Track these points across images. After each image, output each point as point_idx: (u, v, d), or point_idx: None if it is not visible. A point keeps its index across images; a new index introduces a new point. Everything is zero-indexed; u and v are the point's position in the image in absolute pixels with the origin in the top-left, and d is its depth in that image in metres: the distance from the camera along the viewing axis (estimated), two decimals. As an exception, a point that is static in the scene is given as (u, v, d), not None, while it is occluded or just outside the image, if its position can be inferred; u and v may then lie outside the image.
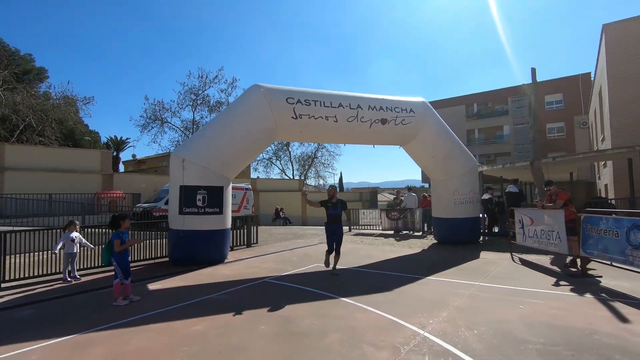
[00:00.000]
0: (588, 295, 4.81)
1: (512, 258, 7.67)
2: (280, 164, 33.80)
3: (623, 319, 3.90)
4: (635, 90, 13.25)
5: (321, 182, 35.82)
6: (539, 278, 5.93)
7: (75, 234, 6.39)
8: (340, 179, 60.30)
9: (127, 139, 37.25)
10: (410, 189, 19.40)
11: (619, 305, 4.33)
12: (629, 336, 3.41)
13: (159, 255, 8.15)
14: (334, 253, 6.63)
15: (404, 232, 13.39)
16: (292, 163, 33.68)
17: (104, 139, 37.91)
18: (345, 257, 7.89)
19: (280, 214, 22.59)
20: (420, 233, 12.88)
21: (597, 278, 5.71)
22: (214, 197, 7.80)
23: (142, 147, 77.59)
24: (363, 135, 9.42)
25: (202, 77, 25.63)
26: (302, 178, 33.69)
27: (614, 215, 5.75)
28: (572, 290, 5.13)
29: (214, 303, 4.88)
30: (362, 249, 9.76)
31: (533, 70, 9.96)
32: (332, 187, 7.08)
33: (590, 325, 3.69)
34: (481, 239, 10.56)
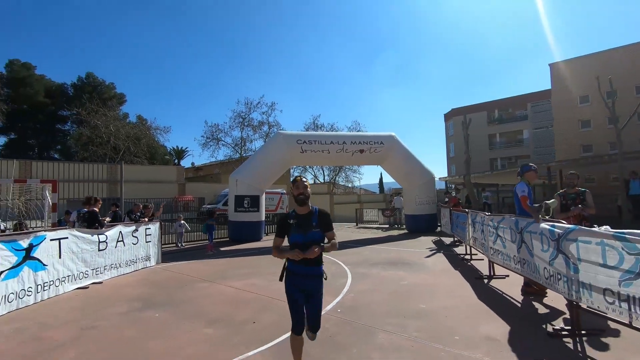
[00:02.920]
0: (426, 251, 9.45)
1: (432, 238, 12.20)
2: (313, 170, 39.13)
3: (424, 256, 8.59)
4: None
5: (349, 184, 40.75)
6: (423, 244, 10.54)
7: (182, 222, 12.09)
8: (381, 180, 63.21)
9: (186, 148, 44.84)
10: (399, 193, 23.69)
11: (436, 255, 8.96)
12: (415, 260, 8.14)
13: (224, 237, 13.74)
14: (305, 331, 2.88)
15: (395, 225, 18.00)
16: (323, 169, 38.89)
17: (168, 148, 45.71)
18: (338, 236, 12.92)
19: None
20: (403, 226, 17.47)
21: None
22: (254, 201, 13.21)
23: (197, 155, 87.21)
24: (348, 160, 14.39)
25: (247, 104, 31.87)
26: (332, 181, 38.81)
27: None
28: (429, 250, 9.75)
29: (250, 254, 10.18)
30: (353, 233, 14.69)
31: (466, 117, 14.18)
32: (299, 179, 2.85)
33: (408, 258, 8.44)
34: (438, 229, 14.95)
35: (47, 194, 7.69)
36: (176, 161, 46.59)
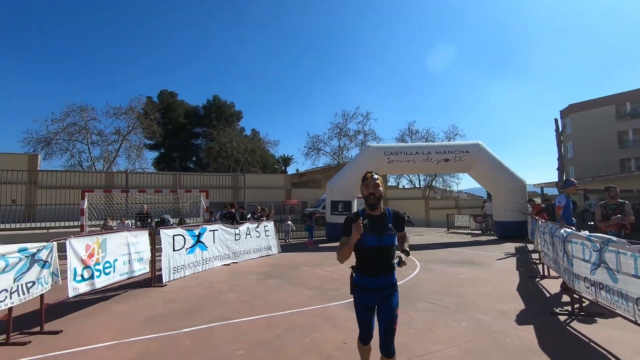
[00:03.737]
0: (502, 255, 10.08)
1: (517, 245, 12.47)
2: (408, 176, 39.73)
3: (496, 258, 9.39)
4: None
5: (447, 188, 40.03)
6: (504, 249, 11.10)
7: (289, 222, 14.92)
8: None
9: (291, 156, 50.08)
10: (490, 199, 22.90)
11: (509, 259, 9.63)
12: (485, 261, 9.08)
13: (322, 236, 16.22)
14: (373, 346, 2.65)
15: (487, 231, 18.11)
16: (418, 175, 39.16)
17: (276, 156, 51.55)
18: (425, 239, 14.16)
19: (407, 218, 28.92)
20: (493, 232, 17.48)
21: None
22: (347, 206, 15.34)
23: (301, 163, 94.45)
24: (434, 168, 15.44)
25: (344, 116, 34.56)
26: (429, 185, 38.80)
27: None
28: (505, 254, 10.36)
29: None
30: (440, 237, 15.65)
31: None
32: (369, 175, 2.61)
33: (478, 259, 9.40)
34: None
35: (202, 200, 11.07)
36: (283, 167, 52.35)
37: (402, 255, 2.35)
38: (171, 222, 12.94)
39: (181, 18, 79.11)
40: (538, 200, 14.48)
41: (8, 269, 3.89)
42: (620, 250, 3.50)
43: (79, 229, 10.89)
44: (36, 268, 4.26)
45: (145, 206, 12.92)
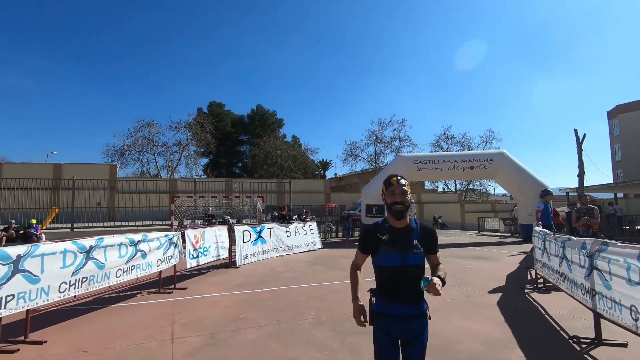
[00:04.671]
0: (514, 252, 11.51)
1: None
2: (445, 181, 40.53)
3: (507, 255, 10.91)
4: None
5: (484, 191, 40.31)
6: (521, 248, 12.47)
7: (329, 223, 17.11)
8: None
9: (330, 160, 52.53)
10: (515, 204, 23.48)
11: (519, 255, 11.09)
12: (496, 256, 10.66)
13: (358, 236, 18.23)
14: None
15: (516, 234, 19.14)
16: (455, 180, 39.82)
17: (316, 161, 54.15)
18: (454, 240, 15.74)
19: (439, 220, 30.06)
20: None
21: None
22: (380, 209, 17.23)
23: (339, 168, 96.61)
24: (460, 175, 16.91)
25: (380, 123, 36.35)
26: (465, 189, 39.38)
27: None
28: (519, 252, 11.78)
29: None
30: (469, 238, 17.09)
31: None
32: (394, 180, 2.13)
33: (491, 255, 10.97)
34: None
35: (259, 203, 13.58)
36: (322, 172, 54.93)
37: (435, 279, 1.81)
38: (230, 222, 15.62)
39: (218, 29, 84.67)
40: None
41: (161, 246, 6.41)
42: (571, 246, 5.28)
43: (155, 227, 13.86)
44: (172, 247, 6.77)
45: (210, 208, 15.72)
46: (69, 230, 14.52)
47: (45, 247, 4.17)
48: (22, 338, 4.06)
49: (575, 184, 16.66)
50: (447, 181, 41.05)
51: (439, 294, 1.77)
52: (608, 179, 39.29)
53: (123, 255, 5.37)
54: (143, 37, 79.74)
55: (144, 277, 6.05)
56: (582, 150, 14.95)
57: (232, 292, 6.53)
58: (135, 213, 18.52)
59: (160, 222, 16.37)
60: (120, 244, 5.36)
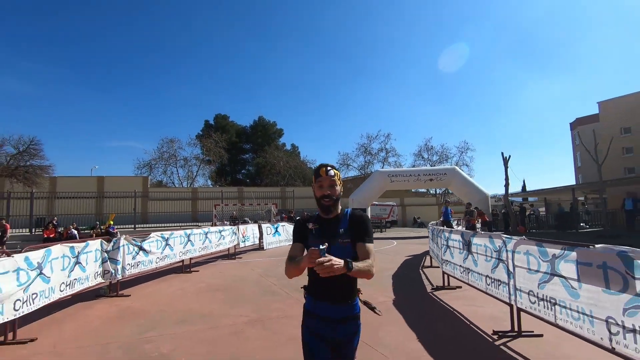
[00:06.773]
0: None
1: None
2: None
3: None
4: None
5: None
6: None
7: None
8: (524, 188, 59.96)
9: (327, 167, 58.66)
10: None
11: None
12: (436, 243, 16.05)
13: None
14: None
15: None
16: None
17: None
18: (420, 232, 21.10)
19: (418, 220, 35.43)
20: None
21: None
22: (362, 211, 22.58)
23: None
24: (421, 185, 22.35)
25: (369, 137, 41.97)
26: (443, 192, 44.88)
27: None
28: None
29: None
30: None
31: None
32: (322, 170, 1.96)
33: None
34: (492, 232, 21.24)
35: (273, 208, 18.81)
36: (319, 178, 60.34)
37: (334, 259, 1.59)
38: (249, 222, 20.90)
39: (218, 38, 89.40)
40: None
41: (228, 235, 11.71)
42: (454, 237, 10.59)
43: (185, 228, 19.09)
44: (234, 236, 12.08)
45: (234, 212, 21.03)
46: (131, 229, 19.75)
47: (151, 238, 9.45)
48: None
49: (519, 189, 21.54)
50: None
51: (325, 274, 1.55)
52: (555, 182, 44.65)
53: (216, 239, 10.68)
54: (143, 38, 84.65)
55: (221, 250, 11.33)
56: (507, 167, 20.03)
57: (266, 259, 11.81)
58: (164, 217, 23.84)
59: (184, 224, 21.58)
60: (211, 232, 10.65)
